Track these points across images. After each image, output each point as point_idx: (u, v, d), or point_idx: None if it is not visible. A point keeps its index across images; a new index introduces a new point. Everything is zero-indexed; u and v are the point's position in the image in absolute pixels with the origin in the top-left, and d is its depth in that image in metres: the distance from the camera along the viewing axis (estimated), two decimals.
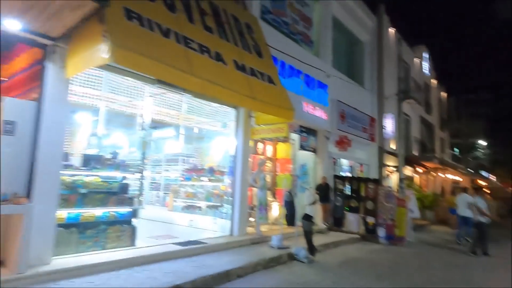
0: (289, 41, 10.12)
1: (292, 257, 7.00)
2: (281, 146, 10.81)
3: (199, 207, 8.63)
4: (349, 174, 13.33)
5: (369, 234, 10.06)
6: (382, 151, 15.64)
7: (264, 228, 8.90)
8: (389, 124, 15.60)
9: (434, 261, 7.78)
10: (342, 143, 11.25)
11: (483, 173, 36.48)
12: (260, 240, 7.89)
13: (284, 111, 7.06)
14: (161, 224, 8.48)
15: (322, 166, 11.41)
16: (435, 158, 19.52)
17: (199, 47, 5.59)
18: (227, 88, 5.74)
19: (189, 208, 8.61)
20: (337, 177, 11.22)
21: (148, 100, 7.91)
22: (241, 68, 6.38)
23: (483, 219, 8.88)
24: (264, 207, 8.14)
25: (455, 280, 6.27)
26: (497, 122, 40.38)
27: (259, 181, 8.29)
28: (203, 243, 6.81)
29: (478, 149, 36.49)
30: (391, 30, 16.98)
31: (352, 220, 10.51)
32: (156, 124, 10.53)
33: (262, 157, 9.81)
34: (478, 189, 10.36)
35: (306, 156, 11.25)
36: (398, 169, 14.43)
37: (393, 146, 15.81)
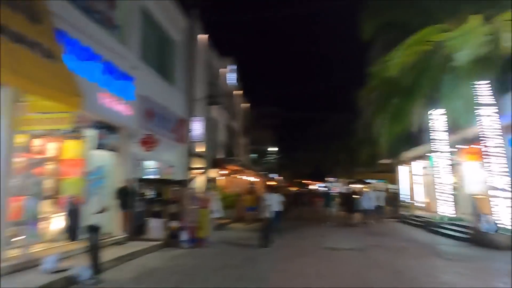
0: (86, 19, 8.46)
1: (72, 281, 5.56)
2: (71, 144, 8.86)
3: None
4: (156, 177, 12.55)
5: (172, 239, 9.56)
6: (191, 153, 15.70)
7: (38, 248, 6.90)
8: (197, 127, 15.85)
9: (231, 259, 8.01)
10: (148, 143, 10.37)
11: (273, 174, 43.47)
12: (28, 265, 5.98)
13: (67, 96, 5.59)
14: None
15: (124, 168, 10.15)
16: (237, 161, 21.42)
17: None
18: None
19: None
20: (140, 180, 10.21)
21: None
22: None
23: (269, 214, 10.02)
24: (36, 221, 6.25)
25: (247, 276, 6.50)
26: (282, 133, 49.25)
27: (30, 188, 6.33)
28: None
29: (270, 154, 43.23)
30: (203, 36, 17.49)
31: (155, 226, 9.75)
32: None
33: (39, 156, 7.67)
34: (273, 188, 11.60)
35: (104, 157, 9.73)
36: (205, 171, 14.77)
37: (200, 148, 16.11)
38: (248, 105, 31.37)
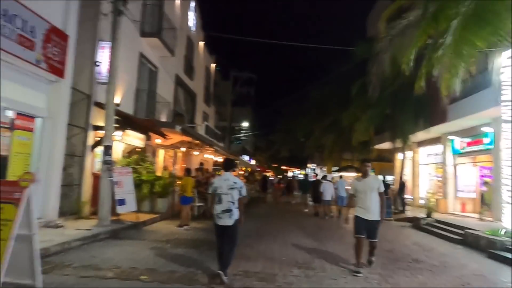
0: None
1: None
2: None
3: None
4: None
5: None
6: (89, 101, 9.29)
7: None
8: (103, 58, 9.39)
9: None
10: None
11: (246, 156, 37.43)
12: None
13: None
14: None
15: None
16: (189, 130, 15.06)
17: None
18: None
19: None
20: None
21: None
22: None
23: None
24: None
25: None
26: (258, 107, 42.98)
27: None
28: None
29: (242, 132, 37.06)
30: None
31: None
32: None
33: None
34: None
35: None
36: (106, 131, 8.48)
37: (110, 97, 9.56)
38: (214, 65, 24.89)
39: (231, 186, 4.95)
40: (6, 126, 6.79)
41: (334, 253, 6.97)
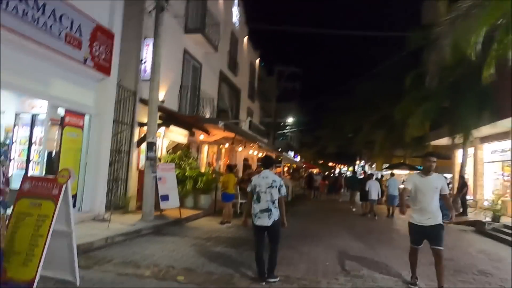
0: None
1: None
2: None
3: None
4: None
5: None
6: (135, 98, 9.48)
7: None
8: (148, 55, 9.51)
9: None
10: None
11: (291, 153, 36.86)
12: None
13: None
14: None
15: None
16: (232, 126, 15.00)
17: None
18: None
19: None
20: None
21: None
22: None
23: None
24: None
25: None
26: (304, 108, 41.98)
27: None
28: None
29: (288, 127, 36.52)
30: None
31: None
32: None
33: None
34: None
35: None
36: (149, 128, 8.57)
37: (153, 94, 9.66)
38: (259, 60, 24.64)
39: (270, 185, 4.70)
40: (57, 123, 7.10)
41: (386, 260, 6.34)
